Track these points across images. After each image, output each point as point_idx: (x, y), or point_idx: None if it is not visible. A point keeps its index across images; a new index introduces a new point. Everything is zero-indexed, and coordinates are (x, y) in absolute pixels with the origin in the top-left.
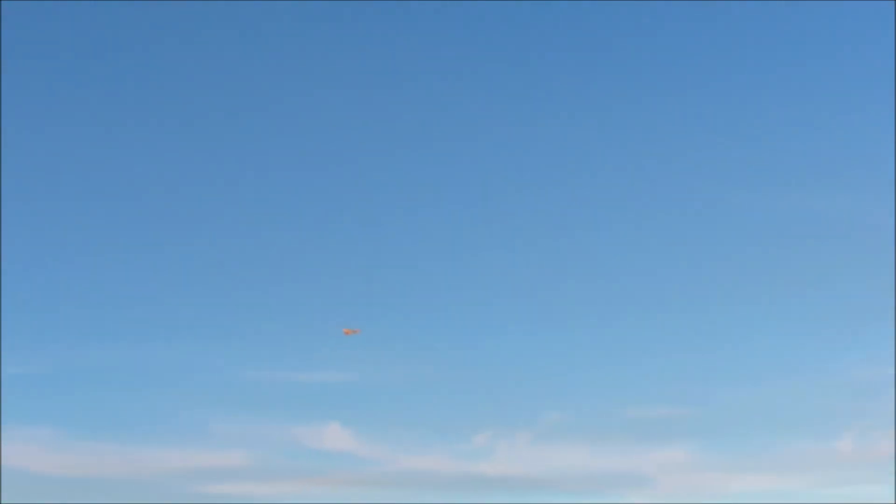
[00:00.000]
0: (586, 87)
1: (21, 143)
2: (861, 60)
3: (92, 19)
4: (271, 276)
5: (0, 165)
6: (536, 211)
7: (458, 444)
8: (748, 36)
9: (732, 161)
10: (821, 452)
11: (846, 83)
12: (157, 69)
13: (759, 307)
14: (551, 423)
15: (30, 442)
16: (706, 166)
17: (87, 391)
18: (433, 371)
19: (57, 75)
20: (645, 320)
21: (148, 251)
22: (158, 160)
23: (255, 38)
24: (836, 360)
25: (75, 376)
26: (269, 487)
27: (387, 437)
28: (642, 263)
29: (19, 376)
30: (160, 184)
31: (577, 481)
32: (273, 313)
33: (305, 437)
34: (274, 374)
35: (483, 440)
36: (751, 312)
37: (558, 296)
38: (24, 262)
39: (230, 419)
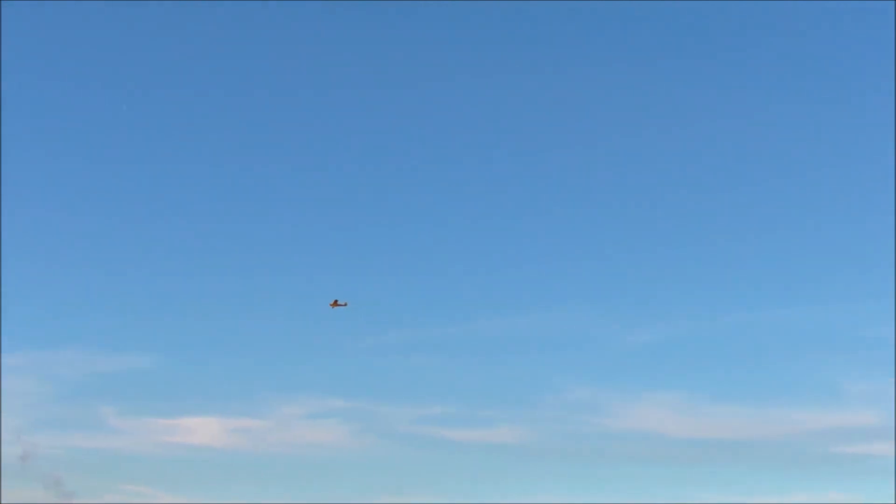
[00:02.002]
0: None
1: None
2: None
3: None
4: None
5: None
6: None
7: None
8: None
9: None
10: None
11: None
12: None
13: None
14: None
15: (662, 407)
16: None
17: (716, 356)
18: None
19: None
20: None
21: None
22: None
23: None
24: None
25: (703, 342)
26: None
27: None
28: None
29: (648, 343)
30: None
31: None
32: None
33: None
34: None
35: None
36: None
37: None
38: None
39: (863, 379)
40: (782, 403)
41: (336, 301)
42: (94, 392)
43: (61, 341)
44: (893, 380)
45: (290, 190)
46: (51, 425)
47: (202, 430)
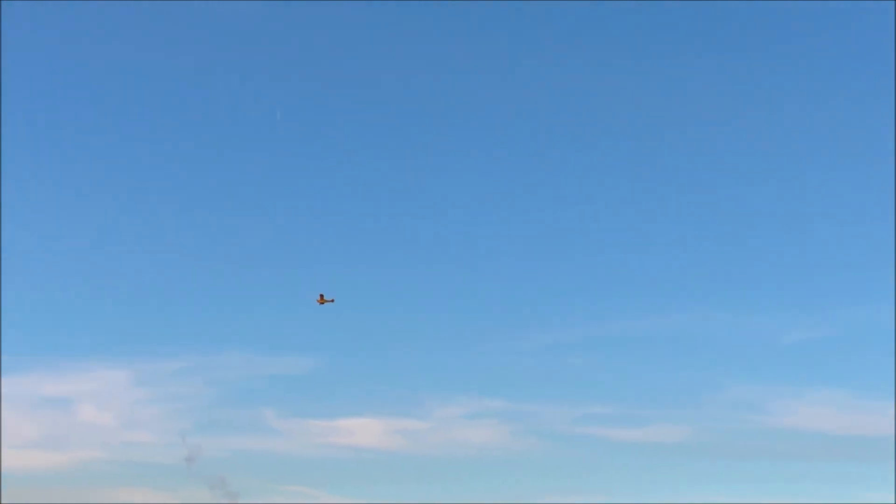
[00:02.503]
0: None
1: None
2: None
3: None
4: None
5: None
6: None
7: None
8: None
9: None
10: None
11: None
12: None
13: None
14: None
15: (823, 404)
16: None
17: (879, 353)
18: None
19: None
20: None
21: None
22: None
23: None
24: None
25: (865, 339)
26: None
27: None
28: None
29: (806, 341)
30: None
31: None
32: None
33: None
34: None
35: None
36: None
37: None
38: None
39: None
40: None
41: (322, 296)
42: (256, 394)
43: (224, 344)
44: None
45: (438, 190)
46: (215, 427)
47: (362, 431)
